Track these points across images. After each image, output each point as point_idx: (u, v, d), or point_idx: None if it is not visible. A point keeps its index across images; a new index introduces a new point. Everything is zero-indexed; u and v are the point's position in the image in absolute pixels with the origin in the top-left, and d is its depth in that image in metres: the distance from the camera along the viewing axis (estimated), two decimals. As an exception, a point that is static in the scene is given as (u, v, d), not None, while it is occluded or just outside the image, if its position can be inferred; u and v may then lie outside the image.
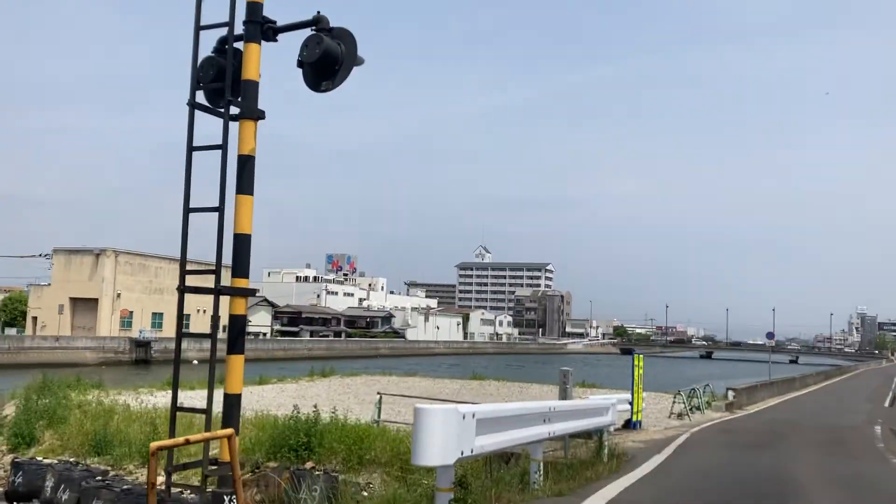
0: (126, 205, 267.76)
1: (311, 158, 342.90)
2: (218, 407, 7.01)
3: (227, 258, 7.02)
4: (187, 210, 6.95)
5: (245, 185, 6.74)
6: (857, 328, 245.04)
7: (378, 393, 17.77)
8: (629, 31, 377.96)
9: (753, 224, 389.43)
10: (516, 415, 6.63)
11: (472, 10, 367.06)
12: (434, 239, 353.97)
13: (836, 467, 12.24)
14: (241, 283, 6.91)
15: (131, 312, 75.95)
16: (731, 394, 28.36)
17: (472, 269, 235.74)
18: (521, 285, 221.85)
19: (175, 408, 6.70)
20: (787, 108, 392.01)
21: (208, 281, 7.00)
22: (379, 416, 17.44)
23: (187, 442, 4.91)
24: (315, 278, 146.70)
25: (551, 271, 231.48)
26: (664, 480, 9.92)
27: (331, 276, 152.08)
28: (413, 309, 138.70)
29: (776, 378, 39.63)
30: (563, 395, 13.78)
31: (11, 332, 72.01)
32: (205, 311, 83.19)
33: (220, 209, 6.69)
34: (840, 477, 11.26)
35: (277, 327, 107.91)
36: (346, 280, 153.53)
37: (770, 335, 43.75)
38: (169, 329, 77.88)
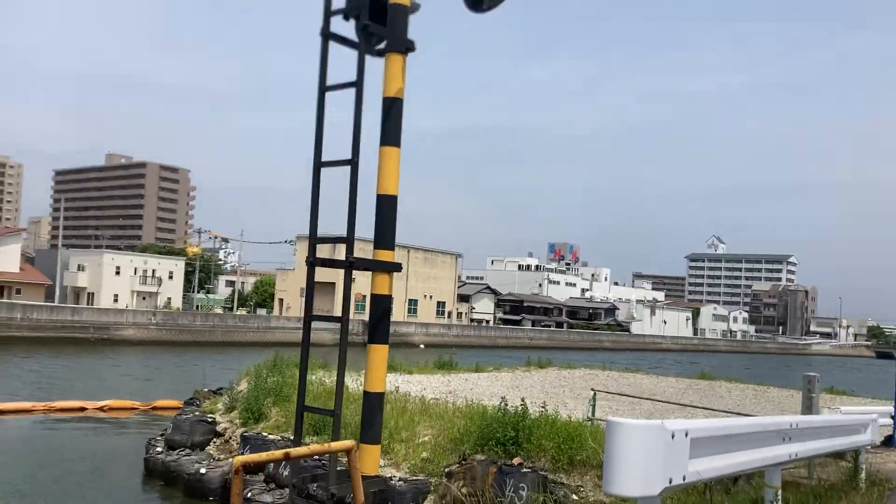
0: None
1: (538, 145, 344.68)
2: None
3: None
4: (318, 164, 5.92)
5: (391, 134, 5.58)
6: None
7: (592, 389, 16.62)
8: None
9: None
10: (745, 432, 5.36)
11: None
12: (663, 229, 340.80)
13: None
14: (385, 255, 5.71)
15: (364, 296, 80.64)
16: None
17: (703, 261, 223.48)
18: (759, 279, 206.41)
19: (302, 407, 5.78)
20: None
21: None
22: (593, 414, 16.35)
23: (287, 458, 3.94)
24: (537, 267, 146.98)
25: (794, 264, 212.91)
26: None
27: (553, 266, 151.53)
28: (638, 301, 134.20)
29: None
30: (808, 406, 11.82)
31: (262, 312, 79.46)
32: (431, 297, 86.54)
33: (353, 162, 5.62)
34: None
35: (500, 315, 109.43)
36: (568, 270, 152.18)
37: None
38: (398, 313, 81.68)
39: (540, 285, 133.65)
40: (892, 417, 15.66)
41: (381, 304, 5.36)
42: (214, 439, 15.82)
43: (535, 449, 12.95)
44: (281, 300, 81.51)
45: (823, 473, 9.63)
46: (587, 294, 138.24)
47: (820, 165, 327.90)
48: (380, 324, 5.14)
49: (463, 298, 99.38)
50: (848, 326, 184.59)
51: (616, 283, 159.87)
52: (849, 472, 9.30)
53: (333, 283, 78.77)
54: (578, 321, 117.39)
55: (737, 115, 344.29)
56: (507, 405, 14.11)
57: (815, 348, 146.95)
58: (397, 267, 5.51)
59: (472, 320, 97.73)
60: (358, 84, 5.27)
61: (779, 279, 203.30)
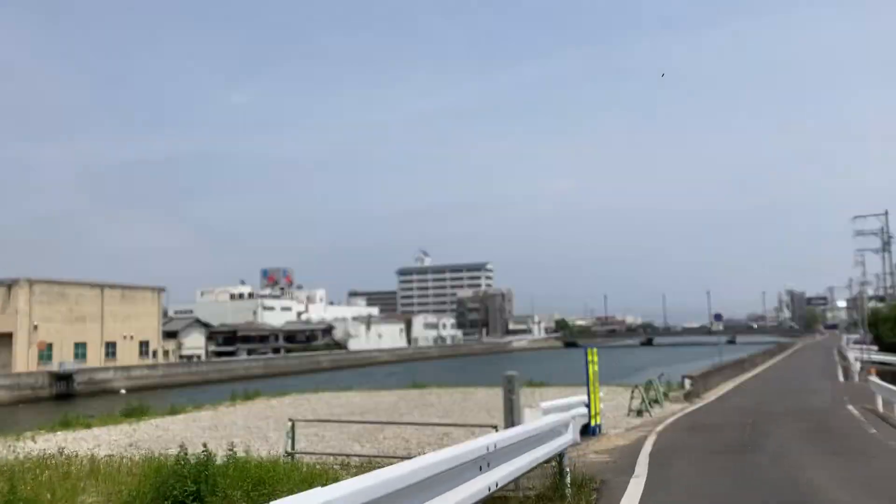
0: (48, 233, 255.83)
1: (243, 173, 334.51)
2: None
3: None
4: None
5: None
6: (787, 305, 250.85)
7: (290, 420, 14.86)
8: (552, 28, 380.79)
9: (683, 210, 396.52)
10: (429, 476, 4.03)
11: (394, 12, 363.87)
12: (373, 248, 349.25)
13: (853, 470, 9.98)
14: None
15: (50, 345, 70.54)
16: (688, 382, 26.47)
17: (412, 274, 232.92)
18: (462, 286, 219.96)
19: None
20: (716, 93, 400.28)
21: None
22: (293, 448, 14.60)
23: None
24: (251, 294, 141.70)
25: (491, 270, 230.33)
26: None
27: (267, 292, 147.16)
28: (354, 318, 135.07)
29: (727, 361, 38.16)
30: (510, 407, 11.24)
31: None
32: (132, 338, 78.62)
33: None
34: (874, 490, 8.93)
35: (213, 348, 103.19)
36: (282, 294, 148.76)
37: (718, 316, 42.30)
38: (93, 359, 72.91)
39: (254, 313, 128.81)
40: (586, 405, 16.04)
41: None
42: None
43: (222, 502, 10.93)
44: None
45: (528, 480, 8.86)
46: (303, 317, 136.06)
47: (497, 182, 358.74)
48: None
49: (170, 335, 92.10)
50: (540, 322, 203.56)
51: (332, 303, 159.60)
52: (555, 477, 8.60)
53: (11, 334, 68.22)
54: (296, 345, 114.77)
55: (421, 139, 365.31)
56: (187, 453, 11.94)
57: (514, 345, 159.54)
58: None
59: (181, 357, 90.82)
60: None
61: (479, 285, 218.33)
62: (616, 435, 15.91)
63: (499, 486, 5.27)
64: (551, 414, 10.45)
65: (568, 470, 8.64)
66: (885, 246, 53.24)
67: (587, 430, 15.58)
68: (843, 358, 55.77)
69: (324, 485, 11.19)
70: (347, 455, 14.66)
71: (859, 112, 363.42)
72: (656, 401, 22.40)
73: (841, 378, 37.12)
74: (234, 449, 12.44)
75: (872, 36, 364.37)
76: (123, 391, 63.69)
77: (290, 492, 10.51)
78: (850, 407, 20.34)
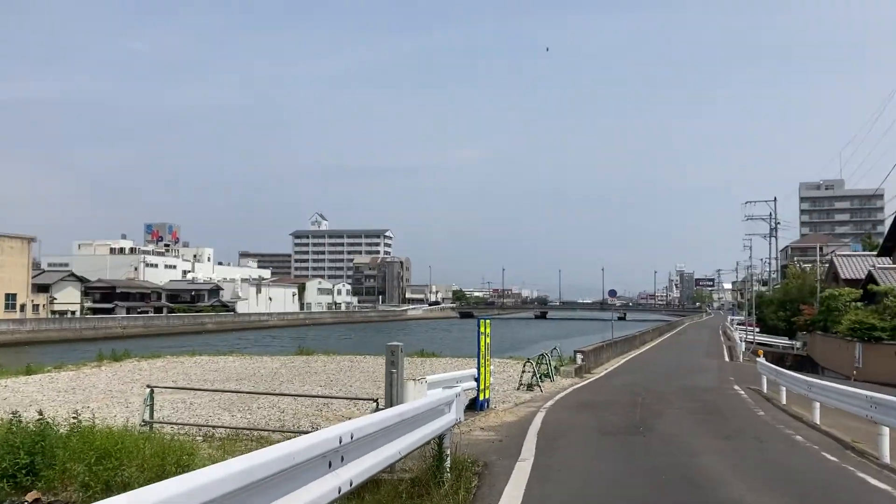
0: None
1: (135, 123, 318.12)
2: None
3: None
4: None
5: None
6: (676, 285, 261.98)
7: (148, 386, 13.25)
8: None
9: (581, 187, 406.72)
10: (248, 483, 2.82)
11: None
12: (268, 208, 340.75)
13: (746, 456, 9.36)
14: None
15: None
16: (579, 357, 26.15)
17: (308, 238, 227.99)
18: (360, 253, 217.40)
19: None
20: (623, 75, 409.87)
21: None
22: (151, 416, 13.03)
23: None
24: (133, 250, 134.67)
25: (390, 238, 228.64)
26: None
27: (150, 248, 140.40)
28: (244, 280, 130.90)
29: (618, 337, 38.50)
30: (390, 381, 10.09)
31: None
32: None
33: None
34: (767, 475, 8.31)
35: (88, 304, 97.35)
36: (167, 251, 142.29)
37: (612, 292, 42.77)
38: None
39: (136, 269, 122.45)
40: (476, 379, 15.13)
41: None
42: None
43: (60, 476, 9.37)
44: None
45: (404, 461, 7.76)
46: (189, 276, 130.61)
47: (402, 150, 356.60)
48: None
49: (42, 289, 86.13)
50: (437, 292, 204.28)
51: (220, 263, 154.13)
52: (434, 461, 7.53)
53: None
54: (180, 304, 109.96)
55: (332, 99, 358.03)
56: (20, 421, 10.30)
57: (410, 313, 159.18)
58: None
59: (53, 312, 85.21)
60: None
61: (378, 252, 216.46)
62: (505, 410, 15.11)
63: (354, 484, 4.09)
64: (434, 390, 9.39)
65: (448, 453, 7.58)
66: (773, 231, 55.21)
67: (475, 405, 14.69)
68: (728, 338, 57.91)
69: (178, 460, 9.57)
70: (213, 426, 13.25)
71: (757, 99, 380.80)
72: (547, 375, 21.88)
73: (727, 358, 38.13)
74: (79, 417, 10.88)
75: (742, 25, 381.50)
76: None
77: (140, 467, 9.09)
78: (737, 387, 20.38)
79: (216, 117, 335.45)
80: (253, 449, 11.26)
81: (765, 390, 19.08)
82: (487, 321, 15.54)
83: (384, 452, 4.81)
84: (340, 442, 3.90)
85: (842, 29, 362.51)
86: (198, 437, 12.42)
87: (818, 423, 12.85)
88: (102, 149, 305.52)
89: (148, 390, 13.14)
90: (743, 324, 66.52)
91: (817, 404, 13.11)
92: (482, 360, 14.60)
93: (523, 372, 20.39)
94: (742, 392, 18.93)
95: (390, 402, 9.19)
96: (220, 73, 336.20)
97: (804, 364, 40.84)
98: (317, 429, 13.68)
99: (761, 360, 21.05)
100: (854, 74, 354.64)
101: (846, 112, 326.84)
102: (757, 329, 54.20)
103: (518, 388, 19.37)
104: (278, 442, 11.84)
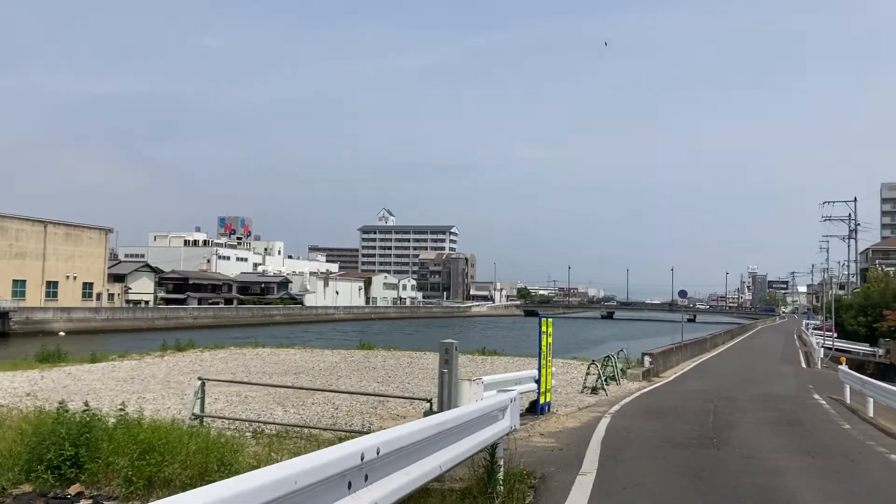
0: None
1: (209, 119, 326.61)
2: None
3: None
4: None
5: None
6: (748, 287, 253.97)
7: (199, 378, 13.01)
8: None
9: (651, 187, 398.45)
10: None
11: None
12: (338, 204, 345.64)
13: (838, 480, 8.37)
14: None
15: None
16: (647, 360, 25.05)
17: (375, 233, 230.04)
18: (426, 248, 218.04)
19: None
20: (688, 73, 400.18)
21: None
22: (202, 410, 12.77)
23: None
24: (206, 242, 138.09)
25: (455, 234, 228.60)
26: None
27: (223, 241, 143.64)
28: (312, 274, 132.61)
29: (688, 339, 37.02)
30: (443, 381, 9.48)
31: None
32: (75, 278, 75.55)
33: None
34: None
35: (162, 294, 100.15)
36: (239, 244, 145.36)
37: (683, 293, 41.10)
38: (33, 298, 69.80)
39: (208, 261, 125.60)
40: (536, 381, 14.39)
41: None
42: None
43: (104, 470, 9.09)
44: None
45: (455, 471, 7.14)
46: (259, 268, 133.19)
47: (468, 147, 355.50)
48: None
49: (118, 278, 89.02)
50: (501, 289, 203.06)
51: (290, 257, 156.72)
52: (486, 470, 6.88)
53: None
54: (250, 296, 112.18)
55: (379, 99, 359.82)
56: (66, 411, 10.07)
57: (474, 310, 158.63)
58: None
59: (127, 302, 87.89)
60: None
61: (443, 248, 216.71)
62: (567, 414, 14.34)
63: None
64: (490, 392, 8.74)
65: (501, 464, 6.93)
66: (852, 233, 52.44)
67: (535, 408, 13.97)
68: (804, 343, 55.36)
69: (222, 457, 9.08)
70: (264, 422, 12.90)
71: (833, 100, 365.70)
72: (613, 378, 20.96)
73: (803, 364, 36.28)
74: (125, 408, 10.66)
75: (836, 24, 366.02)
76: (62, 333, 60.96)
77: (183, 464, 8.74)
78: (817, 396, 19.06)
79: (288, 114, 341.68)
80: (302, 448, 10.83)
81: (848, 401, 17.75)
82: (549, 320, 14.78)
83: (420, 468, 4.19)
84: (362, 459, 3.31)
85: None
86: (247, 433, 12.09)
87: (913, 439, 11.71)
88: (178, 144, 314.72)
89: (199, 383, 12.89)
90: (819, 328, 63.57)
91: (913, 419, 11.94)
92: (543, 361, 13.86)
93: (587, 374, 19.54)
94: (823, 402, 17.64)
95: (442, 405, 8.58)
96: (291, 67, 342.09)
97: (887, 372, 38.56)
98: (369, 428, 13.23)
99: (844, 367, 19.64)
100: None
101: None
102: (835, 334, 51.59)
103: (582, 391, 18.55)
104: (328, 441, 11.39)
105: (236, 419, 13.14)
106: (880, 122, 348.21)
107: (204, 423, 12.57)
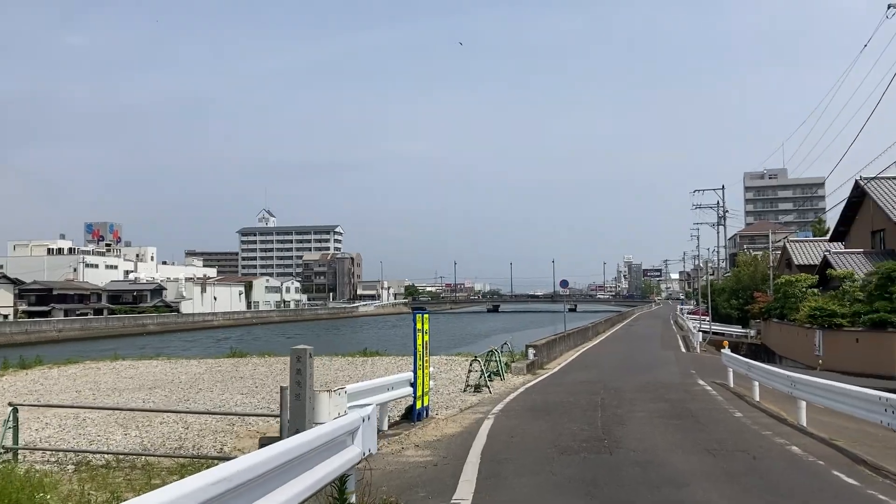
0: None
1: (74, 120, 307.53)
2: None
3: None
4: None
5: None
6: (625, 276, 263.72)
7: (10, 404, 10.93)
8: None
9: (530, 181, 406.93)
10: None
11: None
12: (216, 207, 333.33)
13: (745, 484, 7.43)
14: None
15: None
16: (531, 352, 24.34)
17: (255, 235, 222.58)
18: (310, 249, 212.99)
19: None
20: (571, 66, 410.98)
21: None
22: (15, 441, 10.71)
23: None
24: (72, 250, 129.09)
25: (340, 233, 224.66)
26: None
27: (90, 248, 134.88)
28: (188, 279, 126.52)
29: (570, 329, 36.86)
30: (295, 396, 7.92)
31: None
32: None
33: None
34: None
35: (23, 307, 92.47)
36: (108, 251, 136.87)
37: (564, 283, 41.03)
38: None
39: (75, 270, 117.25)
40: (412, 384, 13.07)
41: None
42: None
43: None
44: None
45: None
46: (131, 276, 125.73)
47: (347, 145, 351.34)
48: None
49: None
50: (389, 288, 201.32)
51: (165, 263, 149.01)
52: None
53: None
54: (122, 306, 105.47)
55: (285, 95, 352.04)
56: None
57: (361, 310, 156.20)
58: None
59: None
60: None
61: (328, 248, 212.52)
62: (447, 418, 13.13)
63: None
64: (361, 401, 7.32)
65: (353, 502, 5.53)
66: (721, 220, 54.35)
67: (412, 414, 12.65)
68: (681, 328, 56.97)
69: (30, 496, 7.18)
70: (94, 452, 10.98)
71: (706, 91, 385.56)
72: (497, 373, 19.98)
73: (683, 348, 36.82)
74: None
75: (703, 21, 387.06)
76: None
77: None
78: (702, 382, 18.75)
79: (160, 116, 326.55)
80: (132, 480, 9.01)
81: (732, 385, 17.48)
82: (426, 316, 13.56)
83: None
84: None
85: (780, 19, 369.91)
86: (69, 466, 10.21)
87: (805, 425, 11.18)
88: (40, 148, 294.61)
89: (10, 409, 10.81)
90: (694, 313, 65.80)
91: (803, 404, 11.43)
92: (420, 362, 12.54)
93: (470, 371, 18.46)
94: (709, 388, 17.27)
95: (283, 429, 7.07)
96: (160, 66, 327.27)
97: (758, 352, 39.79)
98: (221, 450, 11.51)
99: (727, 351, 19.44)
100: (796, 66, 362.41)
101: (791, 103, 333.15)
102: (707, 318, 53.33)
103: (464, 390, 17.42)
104: (167, 470, 9.59)
105: (59, 450, 11.14)
106: (750, 118, 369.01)
107: (18, 457, 10.56)
